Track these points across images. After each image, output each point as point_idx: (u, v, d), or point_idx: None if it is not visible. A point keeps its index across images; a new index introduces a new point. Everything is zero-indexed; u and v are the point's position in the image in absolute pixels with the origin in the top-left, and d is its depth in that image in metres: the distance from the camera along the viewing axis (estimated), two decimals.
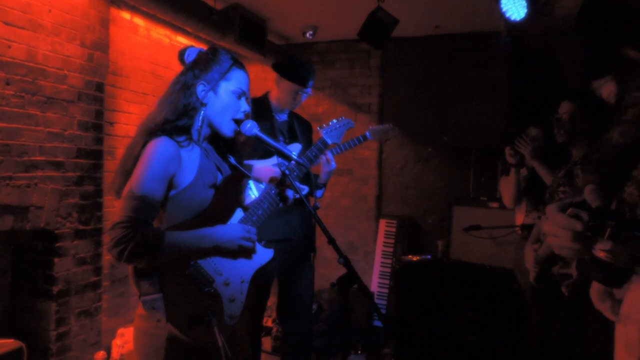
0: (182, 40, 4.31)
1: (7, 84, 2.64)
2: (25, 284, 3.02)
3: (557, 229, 0.90)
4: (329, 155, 2.60)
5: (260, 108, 2.63)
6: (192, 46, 1.67)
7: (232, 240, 1.55)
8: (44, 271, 2.98)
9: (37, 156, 2.82)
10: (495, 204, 3.96)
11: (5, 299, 3.03)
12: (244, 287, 1.62)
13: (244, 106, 1.62)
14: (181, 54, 1.65)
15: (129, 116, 3.77)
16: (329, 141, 2.38)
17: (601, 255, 0.87)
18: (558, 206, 0.92)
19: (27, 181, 2.76)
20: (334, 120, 2.44)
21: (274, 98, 2.70)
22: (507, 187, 2.99)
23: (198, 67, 1.58)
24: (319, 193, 2.77)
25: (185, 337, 1.47)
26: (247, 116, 1.65)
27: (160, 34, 4.10)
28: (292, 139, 2.71)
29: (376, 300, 4.57)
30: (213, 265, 1.55)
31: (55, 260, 2.97)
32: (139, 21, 3.87)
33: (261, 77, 5.05)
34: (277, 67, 2.68)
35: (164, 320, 1.44)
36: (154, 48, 4.01)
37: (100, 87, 3.23)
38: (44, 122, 2.85)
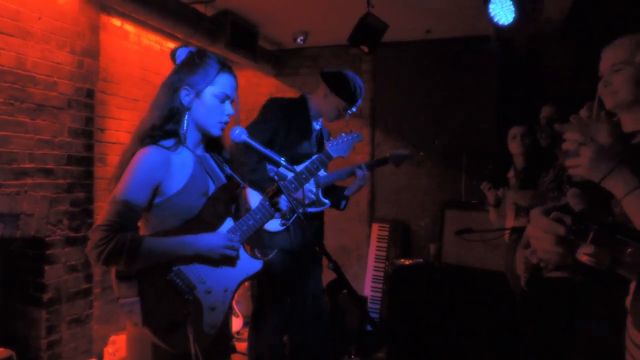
0: (173, 47, 4.31)
1: None
2: (16, 292, 3.01)
3: (540, 233, 0.91)
4: (366, 171, 2.61)
5: (299, 112, 2.60)
6: (183, 46, 1.68)
7: (214, 249, 1.56)
8: (34, 279, 2.97)
9: (27, 163, 2.81)
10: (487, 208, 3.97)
11: None
12: (227, 297, 1.61)
13: (228, 109, 1.64)
14: (172, 54, 1.67)
15: (120, 122, 3.77)
16: (334, 154, 2.34)
17: (584, 258, 0.89)
18: (542, 210, 0.93)
19: (17, 189, 2.75)
20: (343, 134, 2.39)
21: (314, 106, 2.63)
22: (491, 214, 3.11)
23: (183, 71, 1.60)
24: (342, 204, 2.78)
25: (161, 343, 1.47)
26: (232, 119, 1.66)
27: (151, 40, 4.10)
28: (319, 149, 2.67)
29: (370, 305, 4.57)
30: (196, 272, 1.55)
31: (46, 267, 2.96)
32: (129, 28, 3.87)
33: (253, 82, 5.05)
34: (329, 82, 2.57)
35: (140, 324, 1.45)
36: (145, 54, 4.02)
37: (90, 94, 3.22)
38: (33, 129, 2.84)
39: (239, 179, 1.72)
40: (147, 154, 1.50)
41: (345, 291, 1.60)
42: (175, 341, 1.47)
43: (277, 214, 1.71)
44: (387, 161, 2.85)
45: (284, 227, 2.48)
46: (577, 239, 0.87)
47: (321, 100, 2.61)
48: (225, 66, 1.64)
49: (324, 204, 2.63)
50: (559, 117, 2.39)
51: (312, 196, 2.48)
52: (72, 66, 3.07)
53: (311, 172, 2.27)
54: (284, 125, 2.52)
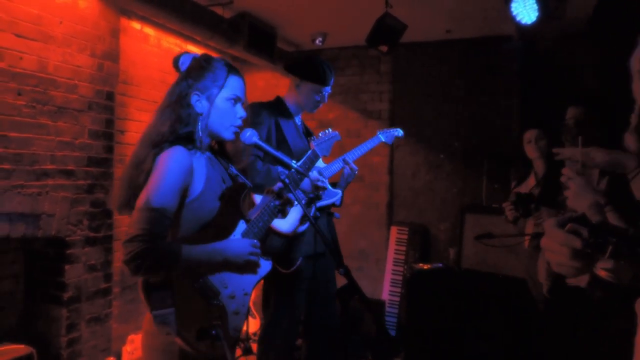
0: (193, 49, 4.35)
1: (19, 94, 2.69)
2: (37, 291, 3.07)
3: (555, 245, 0.87)
4: (352, 164, 2.57)
5: (281, 111, 2.58)
6: (186, 52, 1.66)
7: (241, 256, 1.56)
8: (55, 278, 3.03)
9: (48, 165, 2.86)
10: None
11: (18, 305, 3.09)
12: (246, 300, 1.62)
13: (240, 112, 1.63)
14: (175, 61, 1.64)
15: (140, 124, 3.82)
16: (320, 154, 2.34)
17: (602, 274, 0.83)
18: (556, 221, 0.88)
19: (39, 189, 2.81)
20: (321, 133, 2.39)
21: (291, 102, 2.62)
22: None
23: (191, 76, 1.58)
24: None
25: (192, 350, 1.46)
26: (245, 122, 1.65)
27: (171, 42, 4.15)
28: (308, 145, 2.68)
29: (388, 309, 4.51)
30: (219, 277, 1.55)
31: (66, 267, 3.01)
32: (149, 31, 3.92)
33: (272, 84, 5.06)
34: (295, 71, 2.58)
35: (173, 334, 1.43)
36: (165, 57, 4.06)
37: (110, 96, 3.27)
38: (55, 132, 2.90)
39: (244, 179, 1.71)
40: (176, 155, 1.48)
41: (357, 297, 1.57)
42: (205, 348, 1.47)
43: (279, 215, 1.70)
44: (377, 141, 2.79)
45: (305, 226, 2.44)
46: (595, 253, 0.81)
47: (295, 93, 2.58)
48: (233, 68, 1.63)
49: (335, 194, 2.60)
50: (587, 118, 2.31)
51: (324, 183, 2.43)
52: (92, 69, 3.12)
53: (304, 173, 2.25)
54: (273, 124, 2.50)
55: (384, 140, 2.83)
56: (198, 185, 1.52)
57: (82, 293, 3.11)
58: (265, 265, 1.69)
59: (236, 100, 1.61)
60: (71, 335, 3.05)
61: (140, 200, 1.43)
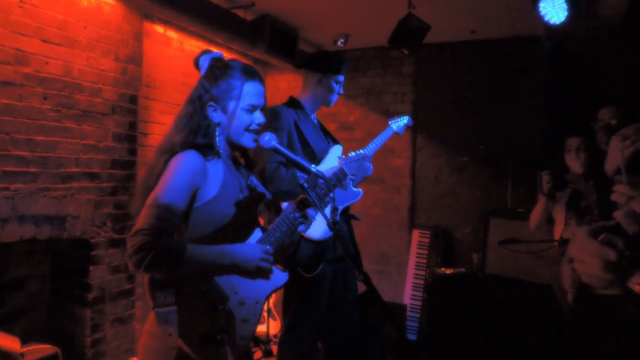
0: (215, 51, 4.37)
1: (45, 98, 2.74)
2: (63, 291, 3.13)
3: (586, 256, 0.82)
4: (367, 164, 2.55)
5: (298, 111, 2.57)
6: (205, 52, 1.62)
7: (251, 260, 1.54)
8: (80, 278, 3.08)
9: (73, 168, 2.91)
10: None
11: (44, 305, 3.15)
12: (257, 308, 1.59)
13: (258, 118, 1.60)
14: (196, 62, 1.62)
15: (163, 127, 3.85)
16: (348, 172, 2.29)
17: (637, 289, 0.79)
18: (589, 230, 0.84)
19: (64, 192, 2.86)
20: (352, 153, 2.36)
21: (307, 100, 2.62)
22: (535, 210, 2.87)
23: (206, 85, 1.57)
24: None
25: (194, 355, 1.43)
26: (264, 126, 1.63)
27: (193, 45, 4.18)
28: (332, 140, 2.68)
29: (409, 313, 4.46)
30: (229, 283, 1.53)
31: (91, 268, 3.06)
32: (172, 34, 3.96)
33: (293, 85, 5.05)
34: (316, 66, 2.58)
35: (175, 335, 1.41)
36: (187, 59, 4.09)
37: (133, 100, 3.31)
38: (79, 135, 2.94)
39: (264, 190, 1.69)
40: (187, 157, 1.48)
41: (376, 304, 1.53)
42: (208, 354, 1.44)
43: (301, 227, 1.67)
44: (391, 133, 2.76)
45: (332, 232, 2.41)
46: (631, 267, 0.77)
47: (315, 89, 2.58)
48: (249, 74, 1.58)
49: (357, 193, 2.58)
50: (623, 119, 2.21)
51: (353, 181, 2.41)
52: (116, 73, 3.16)
53: (329, 188, 2.22)
54: (293, 127, 2.49)
55: (395, 130, 2.80)
56: (212, 189, 1.52)
57: (106, 294, 3.15)
58: (282, 277, 1.66)
59: (253, 109, 1.58)
60: (95, 336, 3.10)
61: (149, 198, 1.43)
